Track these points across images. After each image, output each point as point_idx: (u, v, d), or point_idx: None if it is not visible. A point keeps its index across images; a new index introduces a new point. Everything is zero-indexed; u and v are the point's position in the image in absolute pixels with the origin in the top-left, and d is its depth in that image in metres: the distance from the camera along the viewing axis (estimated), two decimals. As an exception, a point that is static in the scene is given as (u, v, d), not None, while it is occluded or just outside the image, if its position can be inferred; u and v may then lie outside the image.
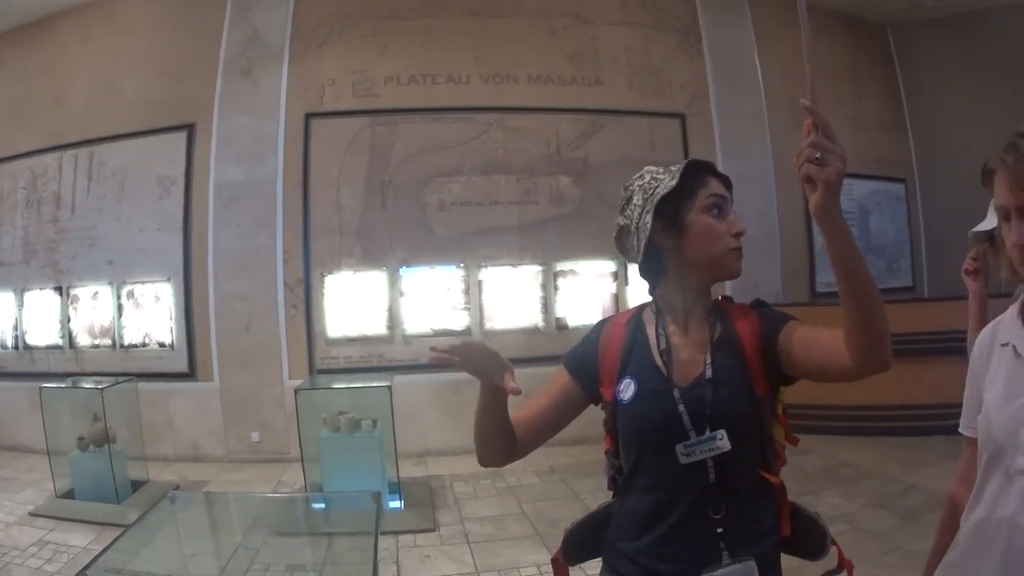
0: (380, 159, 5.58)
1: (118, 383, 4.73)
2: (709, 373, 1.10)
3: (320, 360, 5.52)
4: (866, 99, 6.87)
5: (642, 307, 1.25)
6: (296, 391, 4.40)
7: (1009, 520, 0.99)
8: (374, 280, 5.57)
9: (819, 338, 1.05)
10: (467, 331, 5.56)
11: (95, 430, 4.47)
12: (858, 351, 0.95)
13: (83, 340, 5.98)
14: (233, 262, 5.56)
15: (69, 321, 6.01)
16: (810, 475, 4.37)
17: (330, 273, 5.55)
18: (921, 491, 3.88)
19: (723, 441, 1.07)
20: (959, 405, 1.18)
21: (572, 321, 5.63)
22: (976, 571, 1.04)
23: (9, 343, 6.26)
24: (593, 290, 5.71)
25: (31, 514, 4.28)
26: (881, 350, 0.94)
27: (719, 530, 1.09)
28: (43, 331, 6.09)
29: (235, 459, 5.59)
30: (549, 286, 5.64)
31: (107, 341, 5.92)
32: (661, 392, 1.11)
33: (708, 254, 1.14)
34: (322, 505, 3.88)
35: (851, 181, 6.60)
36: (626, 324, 1.22)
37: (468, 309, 5.58)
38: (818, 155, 0.85)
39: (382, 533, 3.50)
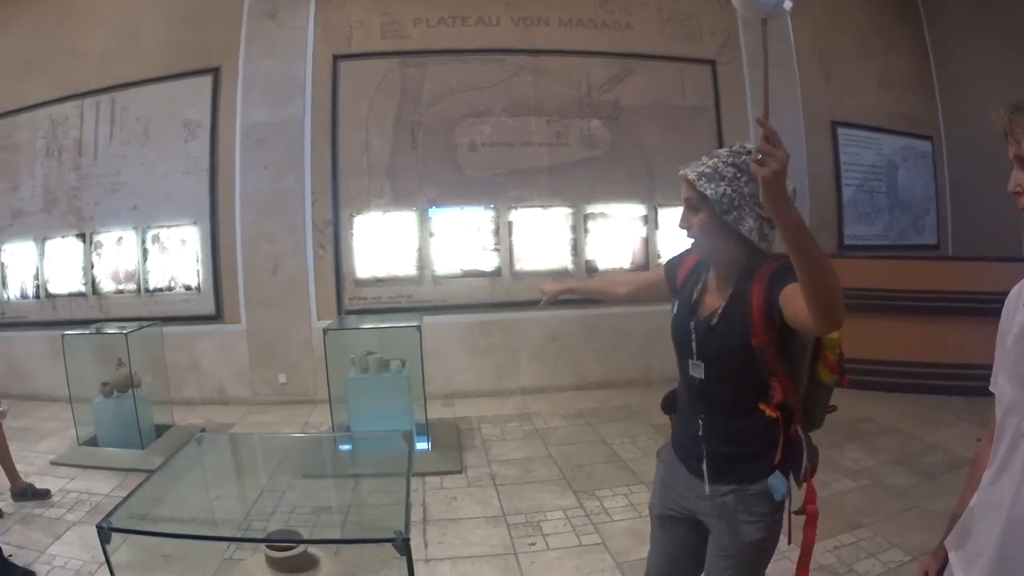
0: (410, 100, 5.54)
1: (143, 327, 4.67)
2: (715, 320, 1.41)
3: (348, 301, 5.50)
4: (894, 55, 6.81)
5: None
6: (325, 331, 4.32)
7: (1015, 483, 0.98)
8: (403, 220, 5.54)
9: (796, 300, 1.21)
10: (497, 272, 5.55)
11: (119, 375, 4.41)
12: (814, 314, 1.12)
13: (107, 286, 5.95)
14: (260, 204, 5.53)
15: (92, 268, 5.97)
16: (832, 428, 4.29)
17: (359, 213, 5.52)
18: (940, 451, 3.88)
19: (699, 371, 1.44)
20: (978, 366, 1.18)
21: (602, 264, 5.62)
22: (982, 532, 1.03)
23: (30, 292, 6.21)
24: (623, 234, 5.68)
25: (52, 463, 4.22)
26: (832, 313, 1.10)
27: (699, 432, 1.46)
28: (65, 279, 6.04)
29: (261, 401, 5.58)
30: (579, 228, 5.61)
31: (132, 286, 5.89)
32: (685, 318, 1.48)
33: None
34: (349, 446, 3.83)
35: (879, 135, 6.55)
36: (696, 262, 1.56)
37: (498, 250, 5.55)
38: (760, 157, 1.03)
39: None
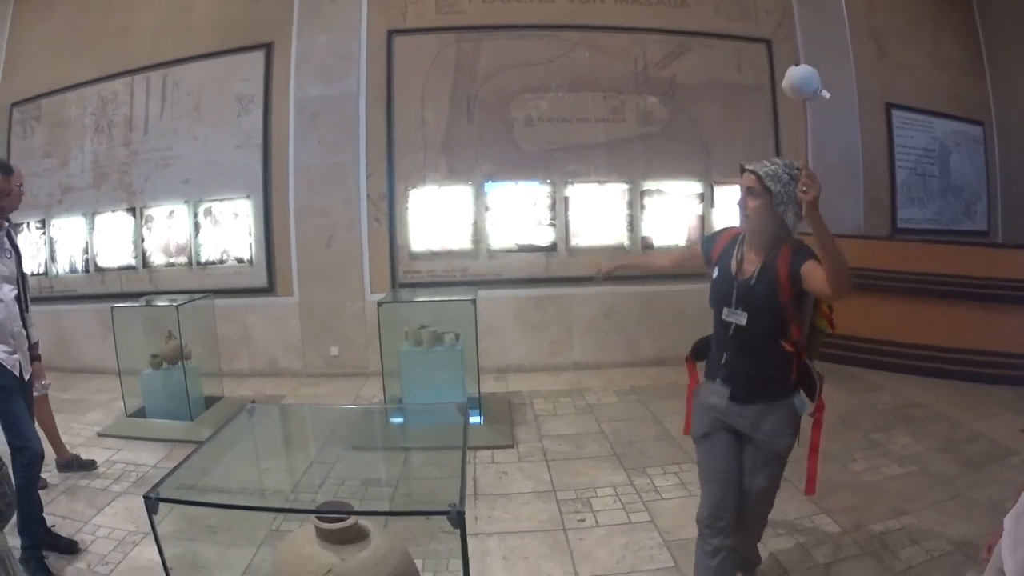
0: (465, 75, 5.53)
1: (194, 299, 4.68)
2: (753, 280, 1.96)
3: (402, 274, 5.51)
4: (946, 39, 6.73)
5: (742, 232, 2.08)
6: (379, 304, 4.29)
7: None
8: (459, 195, 5.54)
9: (817, 274, 1.80)
10: (552, 247, 5.54)
11: (169, 347, 4.42)
12: (832, 287, 1.75)
13: (157, 259, 5.99)
14: (314, 177, 5.54)
15: (143, 241, 6.01)
16: (881, 412, 4.31)
17: (414, 187, 5.52)
18: (985, 440, 3.80)
19: (740, 317, 1.98)
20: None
21: (657, 240, 5.58)
22: None
23: (79, 266, 6.26)
24: (679, 210, 5.64)
25: (99, 434, 4.25)
26: (845, 287, 1.73)
27: (734, 364, 2.03)
28: (115, 253, 6.09)
29: (313, 373, 5.59)
30: (636, 205, 5.58)
31: (183, 259, 5.92)
32: (728, 279, 2.03)
33: None
34: (400, 419, 3.80)
35: (932, 119, 6.48)
36: (731, 237, 2.10)
37: (554, 225, 5.54)
38: (804, 188, 1.66)
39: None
